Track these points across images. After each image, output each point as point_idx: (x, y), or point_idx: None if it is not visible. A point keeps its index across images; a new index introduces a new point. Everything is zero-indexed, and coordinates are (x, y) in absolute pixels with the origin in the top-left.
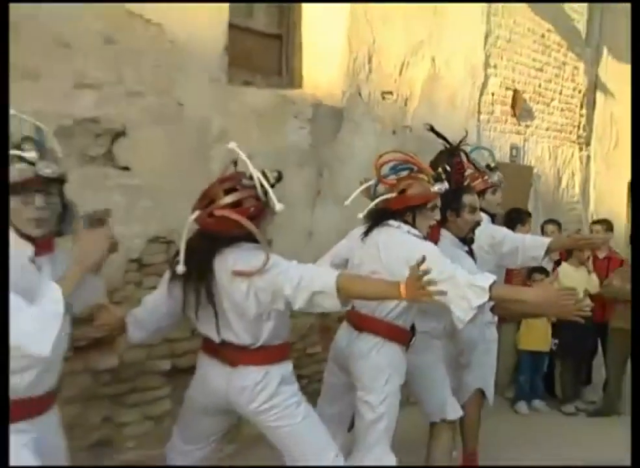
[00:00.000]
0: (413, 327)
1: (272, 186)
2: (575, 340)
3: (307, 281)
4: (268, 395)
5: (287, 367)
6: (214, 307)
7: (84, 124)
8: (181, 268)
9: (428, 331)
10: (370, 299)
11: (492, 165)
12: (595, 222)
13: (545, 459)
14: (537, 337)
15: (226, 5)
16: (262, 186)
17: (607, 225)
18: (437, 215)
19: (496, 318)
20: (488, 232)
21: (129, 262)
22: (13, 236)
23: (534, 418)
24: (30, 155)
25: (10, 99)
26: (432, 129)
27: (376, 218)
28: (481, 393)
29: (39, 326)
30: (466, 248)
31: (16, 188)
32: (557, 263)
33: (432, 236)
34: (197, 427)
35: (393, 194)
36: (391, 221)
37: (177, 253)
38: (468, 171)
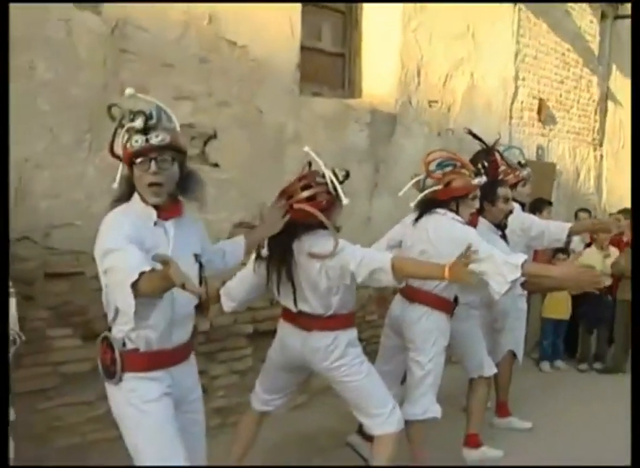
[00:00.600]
0: (456, 299)
1: (341, 182)
2: (592, 310)
3: (368, 259)
4: (338, 355)
5: (353, 332)
6: (293, 284)
7: (182, 129)
8: (265, 252)
9: (468, 302)
10: (420, 278)
11: (523, 162)
12: (619, 212)
13: (562, 409)
14: (559, 306)
15: (298, 30)
16: (332, 182)
17: (628, 213)
18: (477, 204)
19: (525, 291)
20: (519, 219)
21: None
22: (139, 204)
23: (555, 376)
24: (139, 125)
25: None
26: (470, 132)
27: (425, 207)
28: (512, 354)
29: None
30: (500, 233)
31: (135, 157)
32: (588, 245)
33: (472, 223)
34: (276, 380)
35: (440, 187)
36: (438, 210)
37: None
38: (502, 167)
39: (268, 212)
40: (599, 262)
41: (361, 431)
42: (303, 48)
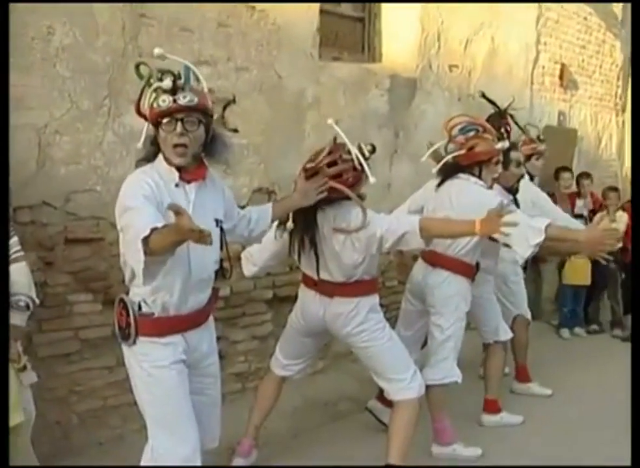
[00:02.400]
0: (477, 264)
1: (367, 159)
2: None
3: (395, 225)
4: (359, 321)
5: (374, 298)
6: (317, 254)
7: None
8: (290, 225)
9: (485, 267)
10: (448, 237)
11: (542, 138)
12: None
13: (582, 376)
14: (579, 273)
15: None
16: (359, 159)
17: None
18: (499, 169)
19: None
20: (530, 190)
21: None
22: (162, 164)
23: (575, 342)
24: (167, 85)
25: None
26: (483, 96)
27: (448, 172)
28: (522, 317)
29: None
30: (511, 197)
31: (161, 117)
32: (592, 212)
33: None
34: (296, 346)
35: (463, 151)
36: (461, 175)
37: (287, 219)
38: (523, 137)
39: (303, 184)
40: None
41: (380, 396)
42: (322, 12)
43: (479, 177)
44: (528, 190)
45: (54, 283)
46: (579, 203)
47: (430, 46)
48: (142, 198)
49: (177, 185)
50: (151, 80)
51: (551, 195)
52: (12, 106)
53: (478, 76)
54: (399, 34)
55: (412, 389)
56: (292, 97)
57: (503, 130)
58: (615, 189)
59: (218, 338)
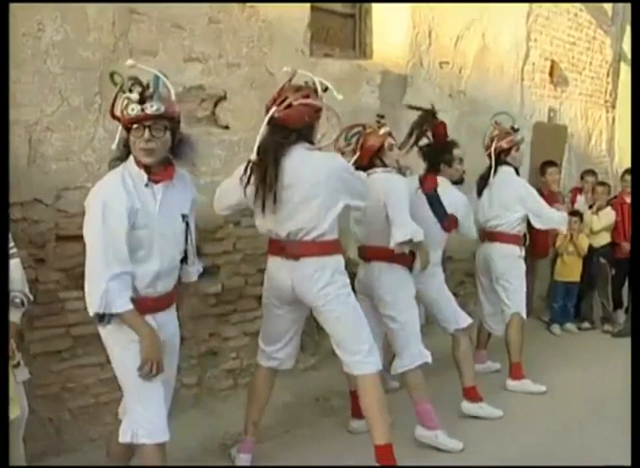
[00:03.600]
0: (413, 253)
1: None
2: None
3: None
4: (325, 282)
5: (339, 259)
6: (266, 196)
7: (192, 91)
8: (253, 156)
9: (432, 260)
10: None
11: (515, 127)
12: (624, 173)
13: (573, 371)
14: (570, 269)
15: None
16: (321, 84)
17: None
18: (396, 150)
19: (523, 252)
20: (513, 184)
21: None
22: (133, 166)
23: (566, 338)
24: (134, 96)
25: (133, 72)
26: (410, 106)
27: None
28: (519, 315)
29: None
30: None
31: (130, 123)
32: (590, 207)
33: (431, 183)
34: (273, 325)
35: (358, 154)
36: (369, 171)
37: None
38: (495, 132)
39: None
40: (588, 218)
41: (354, 411)
42: (313, 8)
43: (383, 165)
44: (515, 185)
45: (46, 280)
46: (581, 199)
47: (421, 42)
48: (117, 219)
49: (146, 185)
50: (124, 88)
51: (537, 191)
52: None
53: (468, 72)
54: (390, 30)
55: (370, 363)
56: None
57: (429, 132)
58: (603, 183)
59: (210, 335)
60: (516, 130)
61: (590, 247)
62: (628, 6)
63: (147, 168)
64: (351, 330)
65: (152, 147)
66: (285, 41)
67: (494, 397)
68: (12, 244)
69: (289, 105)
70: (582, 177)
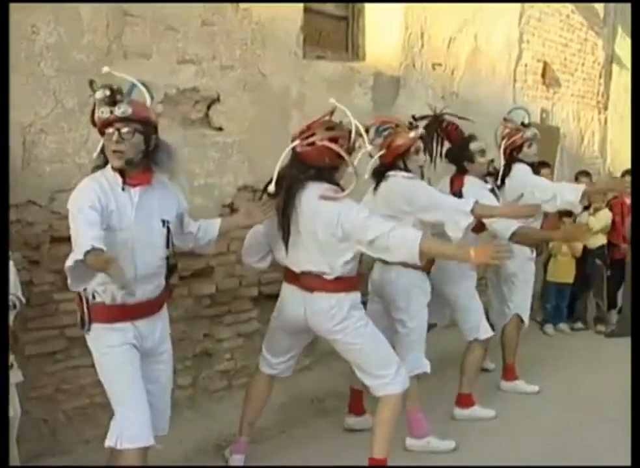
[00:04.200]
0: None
1: (361, 135)
2: (581, 272)
3: (400, 231)
4: (341, 318)
5: (356, 296)
6: (287, 230)
7: (186, 93)
8: (272, 188)
9: (464, 264)
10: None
11: (526, 122)
12: (623, 174)
13: (566, 371)
14: (563, 270)
15: None
16: (357, 129)
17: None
18: (422, 156)
19: (534, 254)
20: (534, 182)
21: (223, 207)
22: (109, 170)
23: (559, 338)
24: (99, 95)
25: (127, 74)
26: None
27: (379, 174)
28: (519, 318)
29: None
30: (490, 186)
31: (103, 127)
32: (586, 207)
33: (457, 184)
34: (280, 343)
35: (383, 151)
36: (389, 173)
37: (269, 182)
38: (506, 131)
39: (245, 204)
40: (584, 219)
41: (351, 407)
42: (306, 11)
43: (405, 169)
44: (525, 179)
45: (40, 282)
46: None
47: (414, 44)
48: (87, 209)
49: (123, 189)
50: (97, 94)
51: None
52: None
53: (461, 74)
54: (383, 32)
55: (396, 384)
56: (276, 96)
57: (440, 132)
58: (586, 173)
59: (204, 336)
60: (526, 126)
61: (585, 248)
62: (620, 7)
63: (122, 172)
64: (374, 359)
65: (121, 148)
66: (278, 43)
67: (488, 397)
68: None
69: (313, 143)
70: (576, 178)
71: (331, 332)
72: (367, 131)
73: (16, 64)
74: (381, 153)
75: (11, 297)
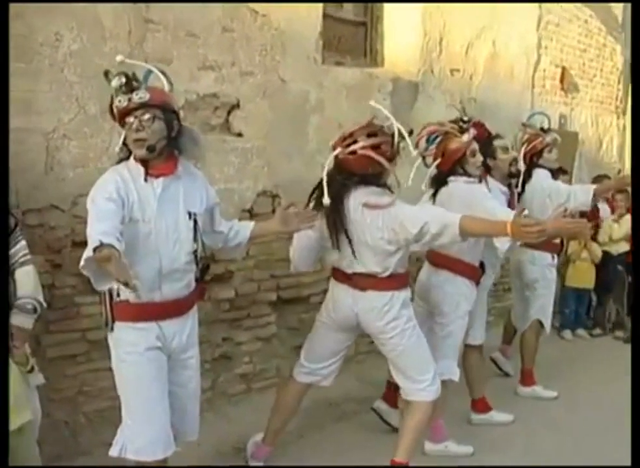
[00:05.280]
0: (482, 265)
1: (404, 138)
2: (602, 277)
3: (441, 215)
4: (392, 316)
5: (407, 293)
6: (348, 236)
7: (206, 99)
8: (326, 200)
9: None
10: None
11: (546, 127)
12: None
13: (582, 375)
14: (583, 275)
15: None
16: (400, 133)
17: None
18: (479, 158)
19: (555, 260)
20: (550, 186)
21: (242, 212)
22: (132, 161)
23: (577, 344)
24: (115, 84)
25: (148, 81)
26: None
27: (438, 182)
28: (539, 323)
29: None
30: (508, 192)
31: (122, 116)
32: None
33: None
34: (325, 345)
35: (439, 159)
36: (449, 178)
37: (315, 190)
38: (526, 136)
39: (281, 211)
40: (608, 226)
41: (386, 397)
42: (325, 17)
43: (465, 173)
44: (545, 185)
45: (62, 285)
46: (604, 207)
47: (432, 50)
48: (101, 201)
49: (146, 180)
50: (112, 84)
51: None
52: (20, 111)
53: (479, 80)
54: (401, 38)
55: (430, 391)
56: (295, 101)
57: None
58: (622, 191)
59: (223, 340)
60: (546, 131)
61: (607, 254)
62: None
63: (145, 162)
64: (417, 362)
65: (142, 136)
66: (297, 49)
67: (506, 402)
68: (26, 251)
69: (354, 152)
70: (595, 182)
71: (380, 331)
72: (410, 134)
73: (40, 71)
74: (437, 161)
75: (30, 301)
